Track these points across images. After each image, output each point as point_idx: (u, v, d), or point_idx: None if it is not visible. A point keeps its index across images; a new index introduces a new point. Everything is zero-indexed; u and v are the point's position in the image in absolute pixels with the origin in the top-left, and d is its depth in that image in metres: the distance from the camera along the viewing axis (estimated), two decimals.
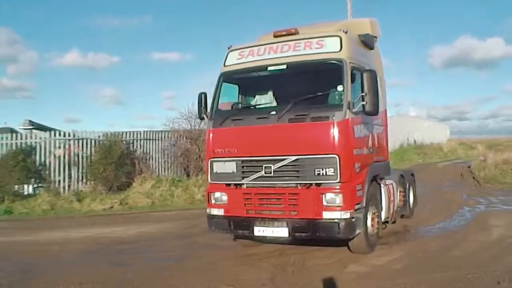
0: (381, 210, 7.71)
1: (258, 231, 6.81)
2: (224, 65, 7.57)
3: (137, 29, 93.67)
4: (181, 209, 13.45)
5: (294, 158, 6.58)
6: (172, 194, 14.55)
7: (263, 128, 6.84)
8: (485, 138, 61.46)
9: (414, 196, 10.55)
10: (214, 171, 7.21)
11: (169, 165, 17.15)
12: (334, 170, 6.38)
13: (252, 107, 7.52)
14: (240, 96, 7.95)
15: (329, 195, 6.44)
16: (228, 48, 7.70)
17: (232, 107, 7.69)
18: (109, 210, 13.24)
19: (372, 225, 7.13)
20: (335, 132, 6.40)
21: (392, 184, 8.38)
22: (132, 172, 14.98)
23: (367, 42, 7.80)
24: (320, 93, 6.87)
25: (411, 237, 8.57)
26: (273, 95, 7.63)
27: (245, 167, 6.95)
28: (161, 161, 16.99)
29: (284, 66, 7.04)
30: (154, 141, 16.91)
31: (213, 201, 7.26)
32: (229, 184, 7.12)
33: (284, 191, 6.70)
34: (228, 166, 7.08)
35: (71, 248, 8.42)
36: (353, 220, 6.48)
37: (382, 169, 8.02)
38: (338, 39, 6.81)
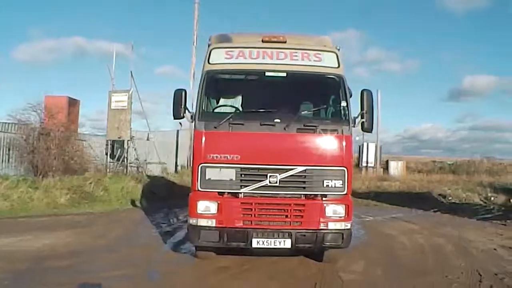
0: None
1: (257, 243, 6.46)
2: (209, 63, 6.98)
3: None
4: (52, 215, 11.72)
5: (302, 168, 6.52)
6: (31, 197, 12.31)
7: (269, 136, 6.57)
8: None
9: None
10: (206, 178, 6.54)
11: (13, 162, 14.38)
12: (342, 182, 6.57)
13: (252, 112, 7.00)
14: (213, 97, 7.38)
15: (335, 207, 6.59)
16: (209, 46, 7.17)
17: (213, 110, 7.16)
18: None
19: None
20: (344, 145, 6.61)
21: None
22: None
23: None
24: (325, 106, 7.05)
25: None
26: (262, 101, 7.26)
27: (245, 175, 6.53)
28: (4, 157, 14.12)
29: (284, 74, 6.92)
30: None
31: (200, 211, 6.55)
32: (222, 193, 6.57)
33: (290, 201, 6.55)
34: (225, 173, 6.53)
35: None
36: (351, 230, 6.77)
37: None
38: (335, 55, 7.05)
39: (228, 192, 6.54)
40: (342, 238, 6.59)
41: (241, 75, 7.18)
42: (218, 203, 6.51)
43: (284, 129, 6.53)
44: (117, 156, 18.71)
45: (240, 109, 7.20)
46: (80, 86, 70.12)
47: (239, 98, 7.46)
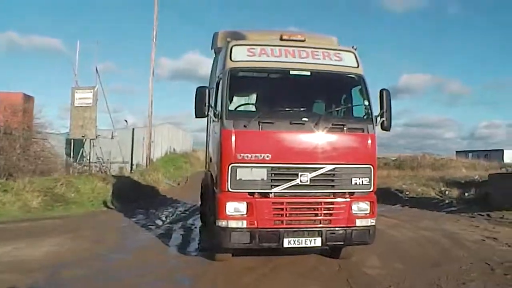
0: None
1: (289, 242, 6.46)
2: (232, 60, 6.83)
3: None
4: (29, 220, 11.10)
5: (332, 167, 6.58)
6: (2, 201, 11.57)
7: (299, 135, 6.57)
8: None
9: None
10: (238, 178, 6.41)
11: None
12: (369, 179, 6.72)
13: (280, 110, 6.91)
14: (236, 95, 7.24)
15: (362, 204, 6.73)
16: (227, 42, 7.01)
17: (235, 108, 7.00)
18: None
19: None
20: (369, 143, 6.76)
21: None
22: None
23: None
24: (349, 106, 7.15)
25: None
26: (286, 99, 7.22)
27: (276, 175, 6.49)
28: None
29: (308, 73, 6.93)
30: None
31: (230, 212, 6.42)
32: (253, 193, 6.48)
33: (320, 200, 6.60)
34: (257, 173, 6.44)
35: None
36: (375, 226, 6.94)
37: None
38: (353, 55, 7.17)
39: (259, 192, 6.47)
40: (369, 234, 6.76)
41: (265, 73, 7.10)
42: (249, 204, 6.41)
43: (314, 127, 6.57)
44: (79, 155, 17.82)
45: (260, 107, 7.09)
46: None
47: (259, 96, 7.40)
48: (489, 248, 8.74)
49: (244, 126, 6.44)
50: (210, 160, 7.78)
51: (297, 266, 7.19)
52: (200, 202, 11.46)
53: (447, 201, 18.25)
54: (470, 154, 47.17)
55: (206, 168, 9.20)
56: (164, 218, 12.35)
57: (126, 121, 24.99)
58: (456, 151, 52.95)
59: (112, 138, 19.45)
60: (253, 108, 7.10)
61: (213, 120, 7.22)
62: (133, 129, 24.23)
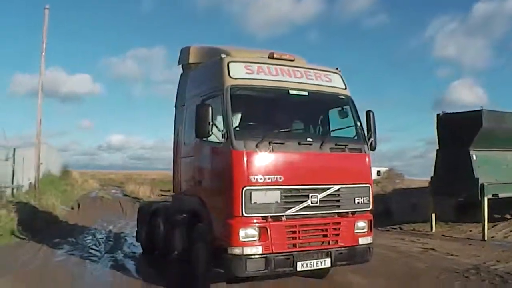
0: None
1: (302, 266, 6.32)
2: (231, 77, 6.53)
3: None
4: None
5: (338, 187, 6.63)
6: None
7: (308, 155, 6.51)
8: None
9: None
10: (252, 201, 6.07)
11: None
12: (368, 198, 6.92)
13: (287, 131, 6.71)
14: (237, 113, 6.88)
15: (362, 222, 6.91)
16: (222, 58, 6.67)
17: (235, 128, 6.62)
18: None
19: None
20: (368, 163, 7.00)
21: None
22: None
23: None
24: (345, 126, 7.23)
25: None
26: (285, 119, 7.11)
27: (288, 197, 6.30)
28: None
29: (306, 93, 6.94)
30: None
31: (244, 239, 6.06)
32: (265, 217, 6.19)
33: (328, 220, 6.58)
34: (271, 196, 6.19)
35: None
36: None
37: None
38: (340, 77, 7.42)
39: (271, 216, 6.21)
40: (369, 252, 6.95)
41: (263, 92, 6.85)
42: (263, 229, 6.13)
43: (320, 148, 6.56)
44: None
45: (263, 127, 6.78)
46: None
47: (260, 115, 7.11)
48: (438, 258, 9.54)
49: (256, 146, 6.17)
50: (199, 183, 7.17)
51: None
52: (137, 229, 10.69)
53: None
54: None
55: (177, 191, 8.43)
56: (95, 247, 11.11)
57: None
58: None
59: (6, 160, 16.90)
60: (257, 128, 6.78)
61: (205, 139, 6.70)
62: (14, 149, 21.41)
